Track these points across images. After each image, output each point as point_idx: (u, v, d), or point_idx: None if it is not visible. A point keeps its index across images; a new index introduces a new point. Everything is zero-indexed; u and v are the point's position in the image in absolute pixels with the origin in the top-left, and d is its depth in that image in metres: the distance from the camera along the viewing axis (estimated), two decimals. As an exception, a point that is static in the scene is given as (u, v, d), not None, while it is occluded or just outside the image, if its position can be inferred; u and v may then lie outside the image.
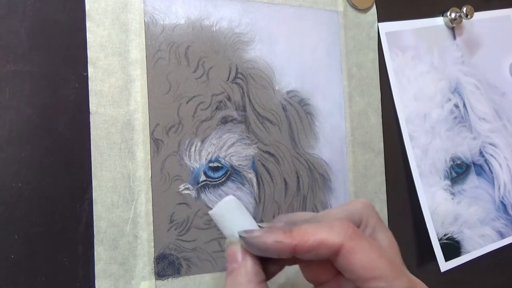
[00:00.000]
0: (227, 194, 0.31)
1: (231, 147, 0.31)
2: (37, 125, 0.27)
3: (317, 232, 0.24)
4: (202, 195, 0.30)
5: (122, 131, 0.29)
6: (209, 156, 0.31)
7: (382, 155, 0.38)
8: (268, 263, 0.27)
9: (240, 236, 0.25)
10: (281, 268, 0.29)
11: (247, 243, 0.25)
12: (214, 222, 0.28)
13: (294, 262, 0.29)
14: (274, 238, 0.24)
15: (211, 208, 0.28)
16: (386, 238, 0.27)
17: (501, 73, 0.45)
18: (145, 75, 0.29)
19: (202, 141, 0.31)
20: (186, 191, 0.30)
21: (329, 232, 0.24)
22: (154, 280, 0.29)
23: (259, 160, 0.32)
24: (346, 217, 0.27)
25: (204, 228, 0.31)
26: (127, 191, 0.28)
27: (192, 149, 0.30)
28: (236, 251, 0.26)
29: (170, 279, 0.29)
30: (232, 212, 0.27)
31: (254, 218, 0.27)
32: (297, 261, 0.28)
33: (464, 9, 0.40)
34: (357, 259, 0.23)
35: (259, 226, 0.27)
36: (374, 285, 0.23)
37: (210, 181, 0.31)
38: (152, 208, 0.29)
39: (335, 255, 0.24)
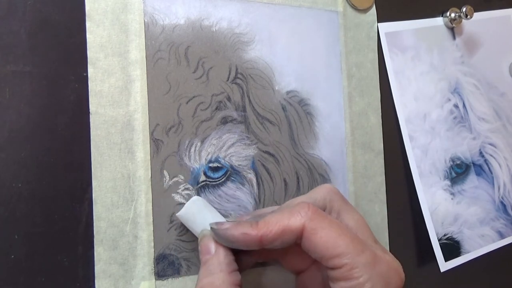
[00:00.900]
0: (227, 194, 0.31)
1: (231, 147, 0.32)
2: (37, 125, 0.27)
3: (279, 219, 0.24)
4: (202, 195, 0.30)
5: (122, 132, 0.29)
6: (209, 156, 0.31)
7: (382, 155, 0.38)
8: (243, 255, 0.27)
9: (212, 228, 0.26)
10: (256, 259, 0.29)
11: (217, 235, 0.26)
12: (182, 223, 0.29)
13: (268, 255, 0.29)
14: (241, 230, 0.24)
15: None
16: (352, 219, 0.27)
17: (501, 73, 0.45)
18: (145, 76, 0.29)
19: (202, 141, 0.31)
20: (186, 191, 0.30)
21: (290, 217, 0.24)
22: (154, 280, 0.29)
23: (259, 160, 0.32)
24: None
25: (204, 228, 0.31)
26: (127, 191, 0.28)
27: (192, 149, 0.30)
28: (209, 243, 0.26)
29: (170, 279, 0.29)
30: (202, 211, 0.28)
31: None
32: (270, 254, 0.29)
33: (464, 9, 0.40)
34: (318, 238, 0.23)
35: (227, 221, 0.28)
36: (338, 262, 0.23)
37: (210, 181, 0.31)
38: (152, 208, 0.29)
39: (300, 238, 0.24)
